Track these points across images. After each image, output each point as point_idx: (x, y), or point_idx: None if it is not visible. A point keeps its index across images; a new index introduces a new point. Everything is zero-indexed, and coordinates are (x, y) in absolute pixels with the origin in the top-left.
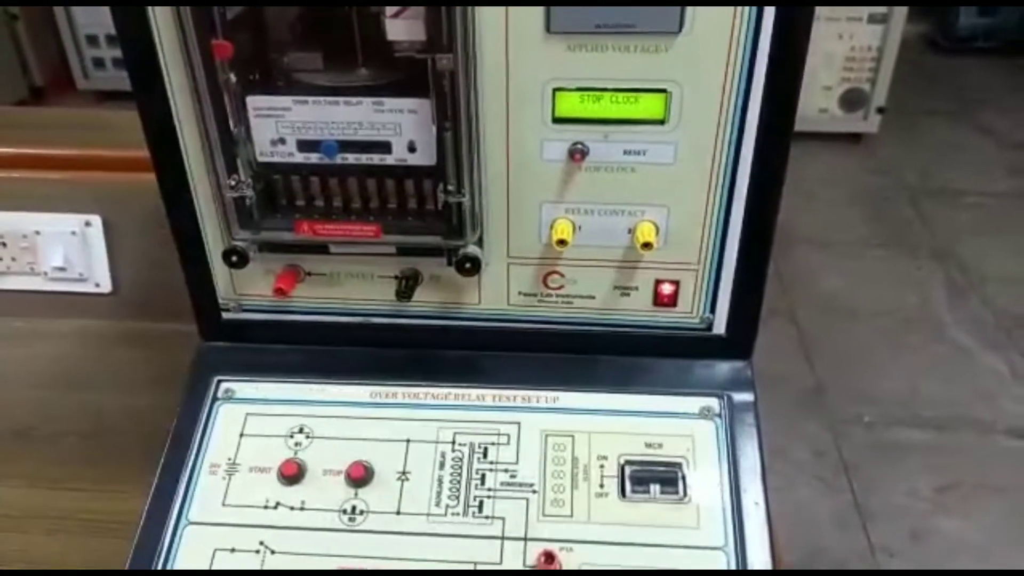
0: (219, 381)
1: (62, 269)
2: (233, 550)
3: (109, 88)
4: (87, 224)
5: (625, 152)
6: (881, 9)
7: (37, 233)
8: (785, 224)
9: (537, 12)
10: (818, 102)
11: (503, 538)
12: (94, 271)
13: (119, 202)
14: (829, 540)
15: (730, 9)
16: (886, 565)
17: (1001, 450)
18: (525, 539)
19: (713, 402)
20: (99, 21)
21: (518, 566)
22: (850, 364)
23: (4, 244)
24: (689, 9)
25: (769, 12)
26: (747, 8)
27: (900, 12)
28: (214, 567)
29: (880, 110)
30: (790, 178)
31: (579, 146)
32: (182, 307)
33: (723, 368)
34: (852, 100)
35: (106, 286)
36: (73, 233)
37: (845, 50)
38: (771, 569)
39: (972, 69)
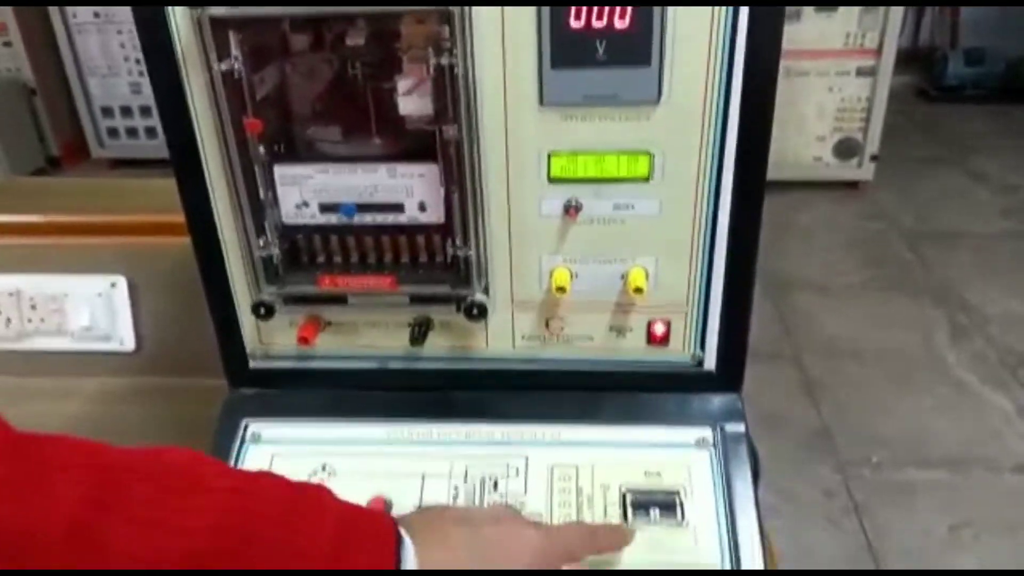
0: (247, 424)
1: (88, 329)
2: None
3: (122, 156)
4: (112, 285)
5: (615, 207)
6: (869, 62)
7: (65, 295)
8: (785, 270)
9: (532, 86)
10: (812, 151)
11: None
12: (118, 330)
13: (142, 264)
14: None
15: (702, 79)
16: None
17: (1011, 488)
18: None
19: (707, 433)
20: (114, 93)
21: None
22: (856, 406)
23: (34, 307)
24: (666, 79)
25: (737, 81)
26: (718, 78)
27: (888, 64)
28: None
29: (874, 158)
30: (790, 225)
31: (573, 202)
32: (202, 363)
33: (715, 401)
34: (845, 149)
35: (129, 344)
36: (99, 294)
37: (836, 101)
38: (773, 569)
39: (961, 116)
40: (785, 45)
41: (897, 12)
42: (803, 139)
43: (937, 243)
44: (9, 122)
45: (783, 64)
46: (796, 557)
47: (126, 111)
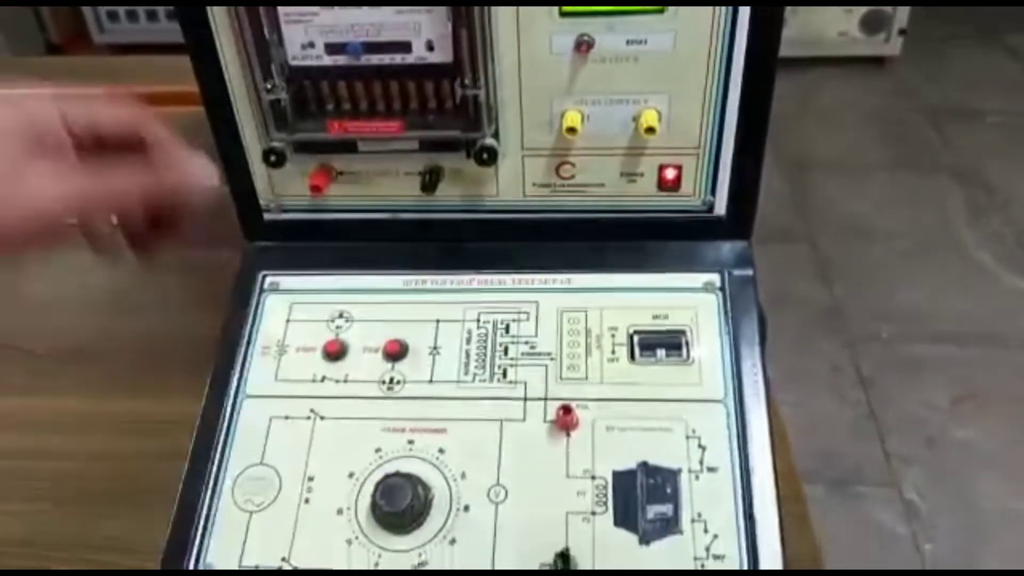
0: (264, 276)
1: None
2: (287, 417)
3: (125, 41)
4: None
5: (628, 42)
6: None
7: None
8: (804, 148)
9: None
10: (838, 25)
11: (525, 399)
12: None
13: None
14: (845, 449)
15: None
16: (901, 471)
17: (1018, 363)
18: (545, 399)
19: (715, 277)
20: None
21: (540, 422)
22: (869, 284)
23: None
24: None
25: None
26: None
27: None
28: (271, 433)
29: (902, 32)
30: (811, 103)
31: (585, 38)
32: (218, 238)
33: (724, 248)
34: (873, 22)
35: None
36: None
37: None
38: (777, 569)
39: None
40: None
41: None
42: (829, 13)
43: (962, 121)
44: (5, 7)
45: None
46: (799, 427)
47: None
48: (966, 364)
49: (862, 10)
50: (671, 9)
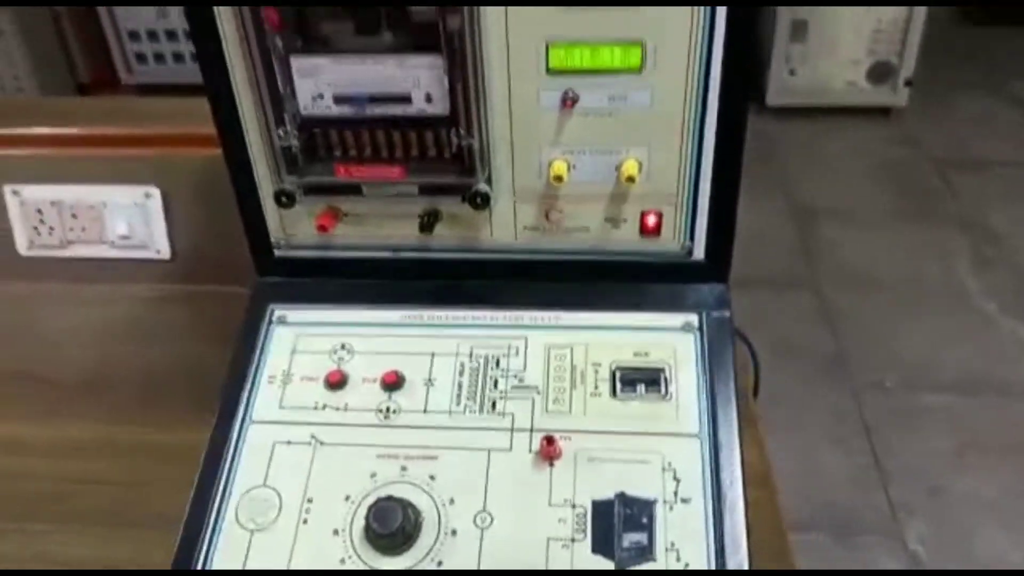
0: (273, 309)
1: (126, 237)
2: (289, 443)
3: (153, 82)
4: (147, 195)
5: (609, 98)
6: None
7: (103, 204)
8: (811, 198)
9: None
10: (845, 75)
11: (512, 430)
12: (154, 239)
13: (174, 175)
14: (848, 497)
15: None
16: (905, 521)
17: (1021, 412)
18: (531, 430)
19: (693, 318)
20: (139, 16)
21: (525, 452)
22: (873, 333)
23: (74, 215)
24: None
25: None
26: None
27: None
28: (274, 458)
29: (908, 83)
30: (818, 152)
31: (570, 93)
32: (233, 272)
33: (703, 290)
34: (880, 73)
35: (165, 253)
36: (135, 204)
37: (872, 22)
38: (768, 569)
39: (1002, 39)
40: None
41: None
42: (836, 62)
43: (968, 171)
44: (36, 47)
45: None
46: (803, 475)
47: (152, 35)
48: (969, 413)
49: (870, 60)
50: (648, 68)
